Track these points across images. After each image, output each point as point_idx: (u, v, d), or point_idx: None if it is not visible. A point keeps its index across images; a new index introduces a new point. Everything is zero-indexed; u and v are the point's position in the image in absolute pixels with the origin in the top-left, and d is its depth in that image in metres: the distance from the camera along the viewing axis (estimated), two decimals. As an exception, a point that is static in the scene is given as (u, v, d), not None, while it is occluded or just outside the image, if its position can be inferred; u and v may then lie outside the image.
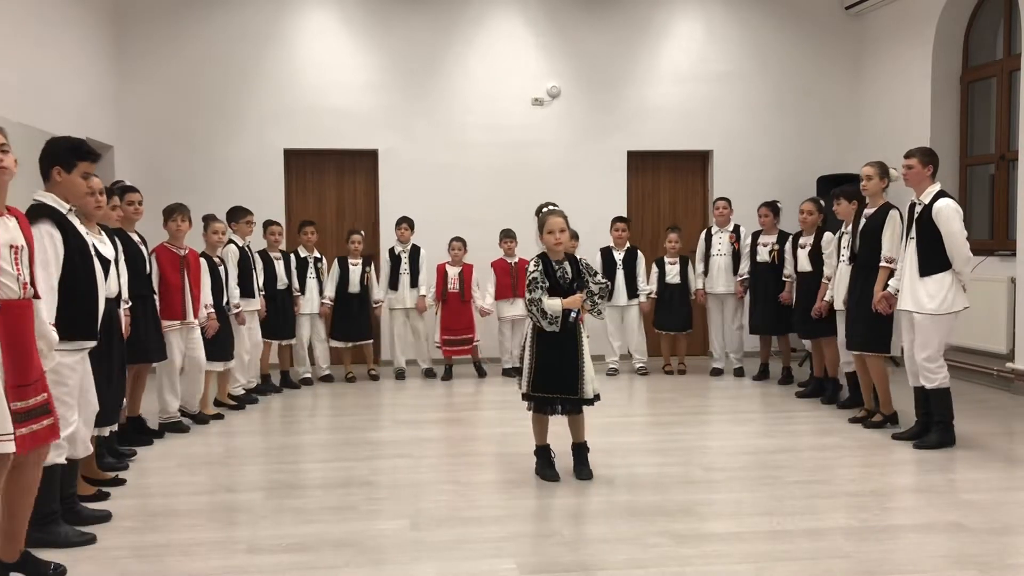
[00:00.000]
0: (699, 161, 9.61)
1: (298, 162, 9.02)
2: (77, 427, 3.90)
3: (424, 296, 8.18)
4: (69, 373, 3.75)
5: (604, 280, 4.84)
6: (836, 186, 8.65)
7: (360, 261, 8.07)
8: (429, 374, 8.29)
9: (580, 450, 4.85)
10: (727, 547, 3.74)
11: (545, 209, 4.80)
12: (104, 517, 4.12)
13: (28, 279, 3.18)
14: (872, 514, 4.15)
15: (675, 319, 8.31)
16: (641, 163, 9.44)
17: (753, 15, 9.39)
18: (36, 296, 3.25)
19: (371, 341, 8.24)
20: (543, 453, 4.86)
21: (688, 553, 3.67)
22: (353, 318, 8.04)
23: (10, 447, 3.01)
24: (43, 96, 6.59)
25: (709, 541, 3.82)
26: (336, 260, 8.11)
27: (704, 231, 8.39)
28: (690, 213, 9.60)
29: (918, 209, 5.35)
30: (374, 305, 8.16)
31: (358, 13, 8.92)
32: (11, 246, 3.11)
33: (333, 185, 9.19)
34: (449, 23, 9.02)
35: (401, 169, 8.97)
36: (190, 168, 8.57)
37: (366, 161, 9.11)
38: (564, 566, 3.55)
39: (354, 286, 8.01)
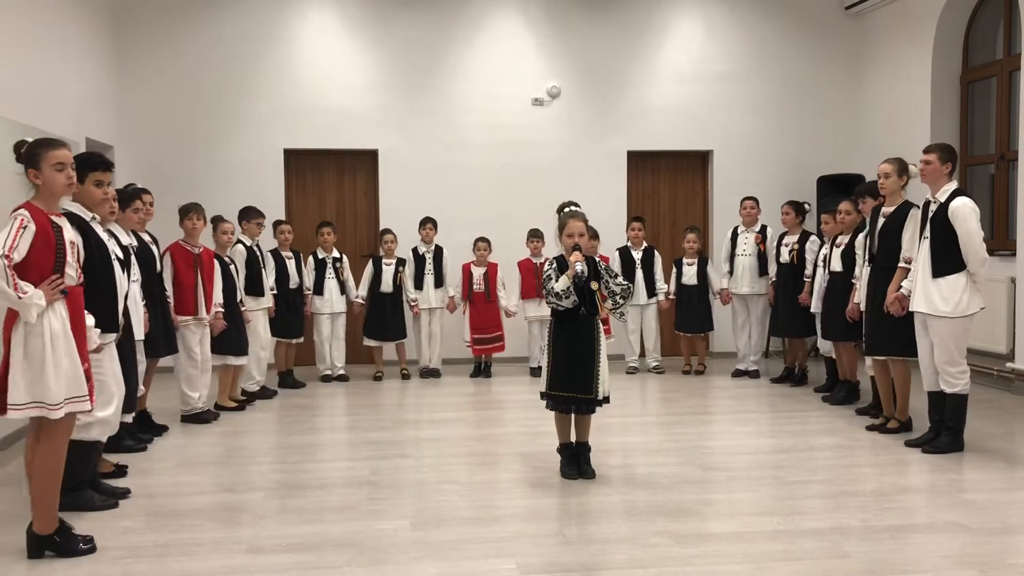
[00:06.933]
0: (699, 161, 9.61)
1: (298, 162, 9.01)
2: (117, 409, 4.37)
3: (453, 296, 8.24)
4: (106, 361, 4.26)
5: (625, 282, 4.84)
6: (836, 186, 8.68)
7: (394, 261, 8.13)
8: (434, 374, 8.30)
9: (583, 449, 4.86)
10: (727, 547, 3.75)
11: (567, 210, 4.81)
12: (124, 494, 4.48)
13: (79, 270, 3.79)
14: (872, 514, 4.15)
15: (694, 320, 8.27)
16: (641, 163, 9.44)
17: (753, 15, 9.39)
18: (82, 284, 3.83)
19: (404, 340, 8.29)
20: (566, 451, 4.87)
21: (688, 553, 3.67)
22: (387, 317, 8.11)
23: (87, 405, 3.67)
24: (43, 96, 6.58)
25: (709, 541, 3.83)
26: (371, 260, 8.20)
27: (730, 231, 8.22)
28: (690, 213, 9.60)
29: (933, 208, 5.20)
30: (411, 304, 8.18)
31: (358, 13, 8.91)
32: (71, 242, 3.70)
33: (333, 185, 9.19)
34: (449, 23, 9.01)
35: (401, 169, 8.97)
36: (190, 168, 8.57)
37: (366, 161, 9.11)
38: (565, 566, 3.56)
39: (387, 286, 8.07)
